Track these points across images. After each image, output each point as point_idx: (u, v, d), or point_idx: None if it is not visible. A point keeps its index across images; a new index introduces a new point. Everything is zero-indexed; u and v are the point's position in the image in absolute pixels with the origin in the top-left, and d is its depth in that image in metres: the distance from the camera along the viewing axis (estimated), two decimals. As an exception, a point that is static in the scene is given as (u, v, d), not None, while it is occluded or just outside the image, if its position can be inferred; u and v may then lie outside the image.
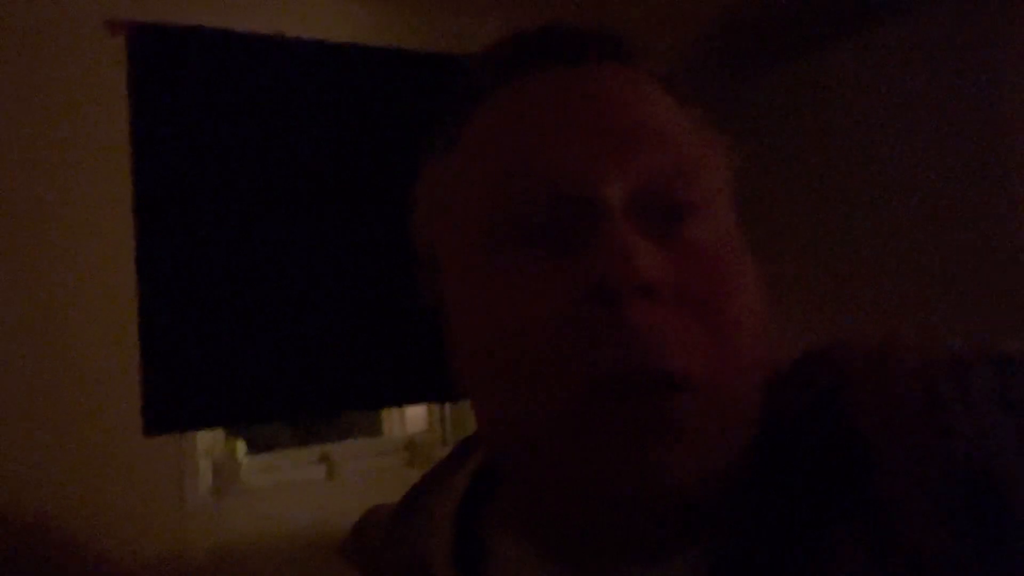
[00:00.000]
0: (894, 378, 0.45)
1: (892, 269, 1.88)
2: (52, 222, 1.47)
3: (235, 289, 1.67)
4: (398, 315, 1.73)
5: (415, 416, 2.10)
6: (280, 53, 1.75)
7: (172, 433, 1.56)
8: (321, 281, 1.72)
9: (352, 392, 1.73)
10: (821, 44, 2.00)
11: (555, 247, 0.42)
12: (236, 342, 1.65)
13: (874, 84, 1.89)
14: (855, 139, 1.95)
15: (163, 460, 1.55)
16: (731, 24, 2.07)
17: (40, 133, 1.47)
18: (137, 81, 1.59)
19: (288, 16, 1.74)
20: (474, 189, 0.46)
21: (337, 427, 2.00)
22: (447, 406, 2.08)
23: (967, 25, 1.72)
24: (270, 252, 1.69)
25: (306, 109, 1.76)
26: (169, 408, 1.55)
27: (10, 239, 1.43)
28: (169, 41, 1.64)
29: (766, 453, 0.45)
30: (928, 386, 0.43)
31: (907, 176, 1.84)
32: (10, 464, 1.34)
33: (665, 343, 0.40)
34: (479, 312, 0.45)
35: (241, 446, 1.76)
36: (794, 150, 2.10)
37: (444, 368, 0.49)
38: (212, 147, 1.69)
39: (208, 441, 1.72)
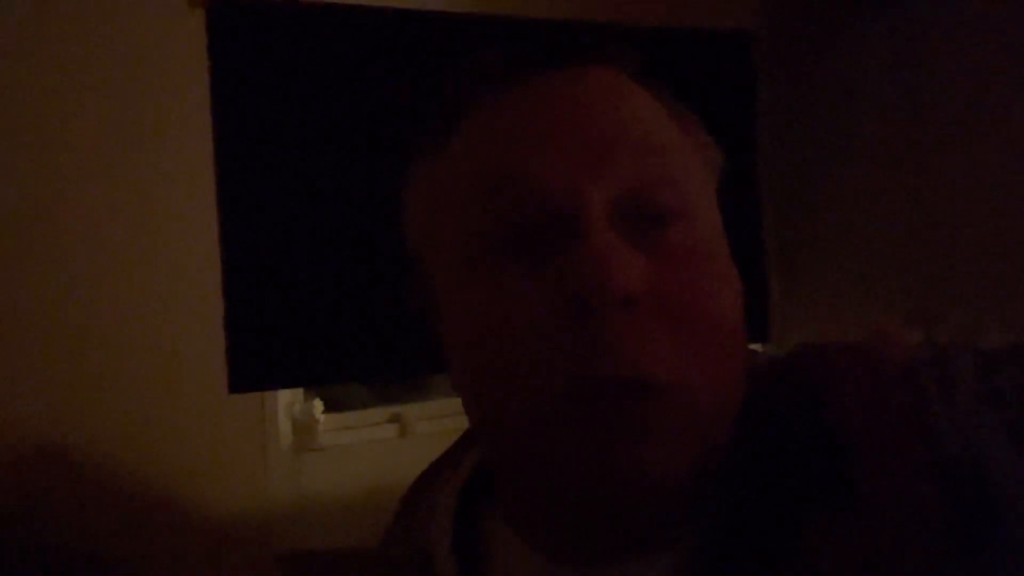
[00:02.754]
0: (877, 375, 0.45)
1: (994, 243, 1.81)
2: (138, 188, 1.55)
3: (317, 253, 1.73)
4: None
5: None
6: (358, 22, 1.78)
7: (255, 391, 1.65)
8: (402, 246, 1.76)
9: (426, 356, 1.77)
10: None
11: (537, 257, 0.44)
12: (317, 305, 1.72)
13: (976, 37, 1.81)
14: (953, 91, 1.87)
15: (247, 417, 1.63)
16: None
17: (124, 102, 1.54)
18: (217, 53, 1.64)
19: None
20: (459, 198, 0.47)
21: (411, 388, 2.06)
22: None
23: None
24: (352, 217, 1.74)
25: (385, 77, 1.80)
26: (252, 368, 1.63)
27: (98, 203, 1.51)
28: (249, 13, 1.69)
29: (750, 450, 0.45)
30: (911, 383, 0.43)
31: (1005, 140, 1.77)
32: (104, 420, 1.43)
33: (637, 350, 0.41)
34: (465, 318, 0.47)
35: (318, 405, 1.83)
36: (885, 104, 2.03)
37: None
38: (293, 114, 1.74)
39: (288, 399, 1.80)
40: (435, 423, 1.93)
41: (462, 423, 0.53)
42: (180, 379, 1.52)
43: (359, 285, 1.73)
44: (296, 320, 1.70)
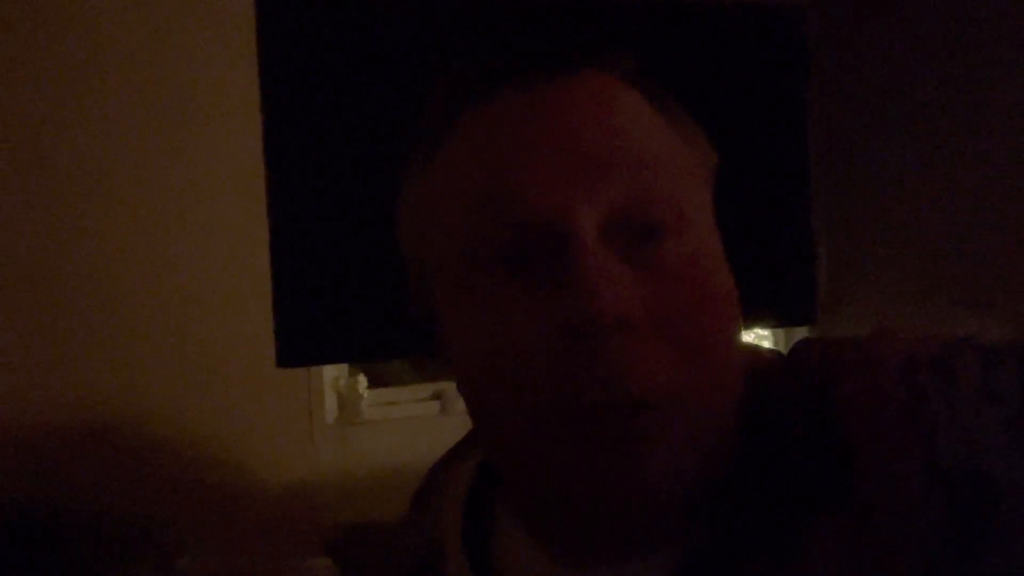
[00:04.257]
0: (878, 376, 0.44)
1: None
2: (187, 162, 1.57)
3: (365, 228, 1.74)
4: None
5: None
6: (409, 4, 1.77)
7: (302, 366, 1.68)
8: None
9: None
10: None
11: (531, 274, 0.43)
12: (364, 283, 1.74)
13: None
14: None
15: (293, 391, 1.66)
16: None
17: (172, 84, 1.56)
18: (266, 34, 1.65)
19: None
20: (450, 212, 0.47)
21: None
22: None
23: None
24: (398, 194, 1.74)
25: (433, 58, 1.79)
26: (300, 343, 1.66)
27: (149, 177, 1.54)
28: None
29: (750, 451, 0.45)
30: (911, 384, 0.43)
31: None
32: (155, 392, 1.47)
33: (632, 372, 0.41)
34: (463, 333, 0.47)
35: (362, 380, 1.86)
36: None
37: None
38: (343, 85, 1.74)
39: (333, 374, 1.83)
40: (476, 401, 1.93)
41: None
42: (228, 353, 1.55)
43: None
44: (344, 295, 1.72)
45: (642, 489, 0.42)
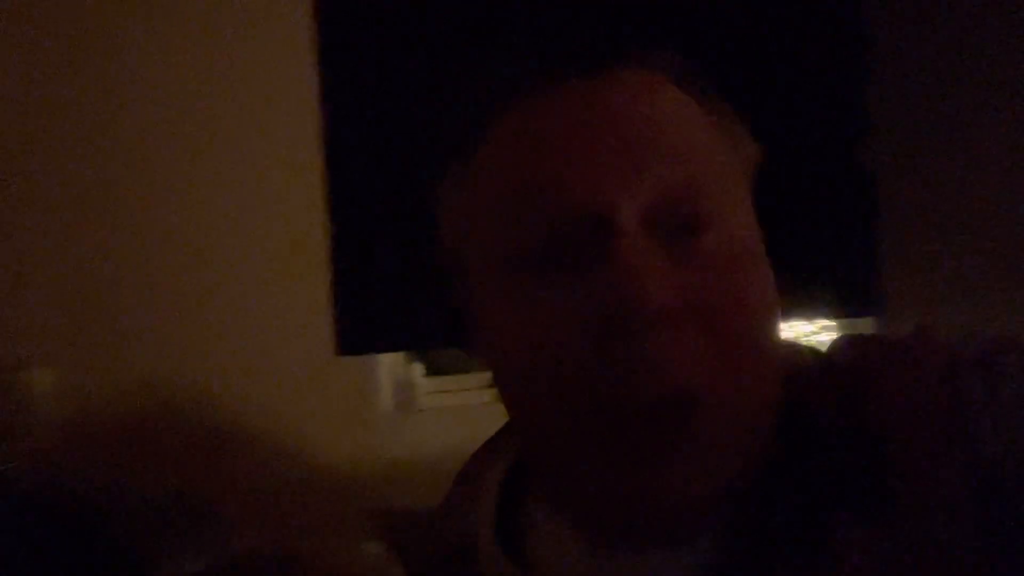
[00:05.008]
0: (919, 377, 0.44)
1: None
2: (246, 148, 1.58)
3: (424, 221, 1.76)
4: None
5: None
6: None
7: (362, 355, 1.70)
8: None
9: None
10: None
11: (571, 267, 0.44)
12: (423, 272, 1.75)
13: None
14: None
15: (350, 378, 1.68)
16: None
17: (232, 73, 1.57)
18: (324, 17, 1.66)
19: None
20: (492, 205, 0.48)
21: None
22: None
23: None
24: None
25: (485, 47, 1.79)
26: (360, 332, 1.68)
27: (208, 164, 1.56)
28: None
29: (789, 449, 0.45)
30: (952, 386, 0.42)
31: None
32: (214, 381, 1.51)
33: (673, 365, 0.41)
34: (501, 328, 0.47)
35: (419, 368, 1.88)
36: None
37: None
38: (403, 70, 1.75)
39: (390, 361, 1.85)
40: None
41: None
42: (287, 342, 1.58)
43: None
44: (403, 284, 1.74)
45: (679, 493, 0.42)
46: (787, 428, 0.46)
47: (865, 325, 1.88)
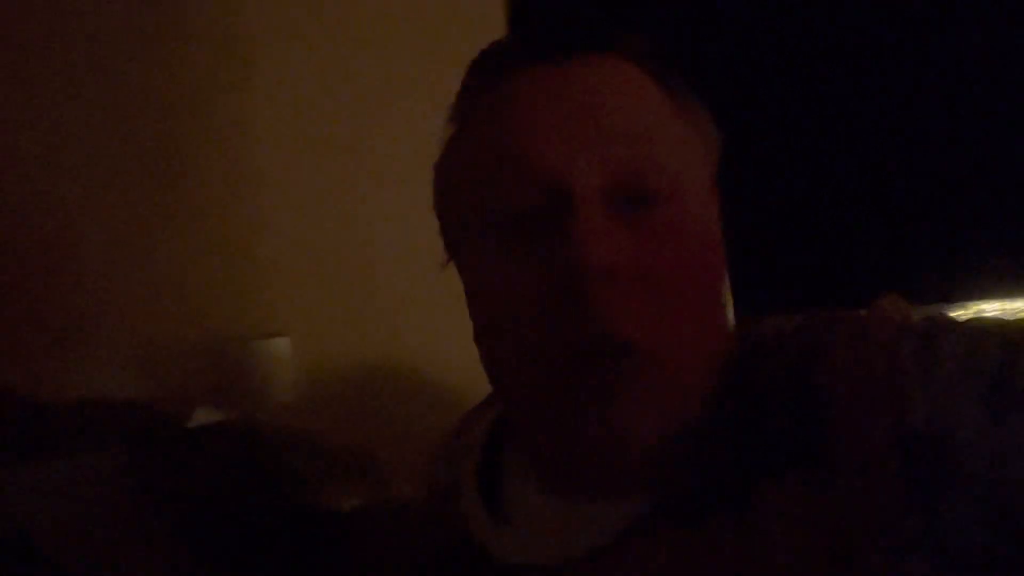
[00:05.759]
0: (862, 347, 0.46)
1: None
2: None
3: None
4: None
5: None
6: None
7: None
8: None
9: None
10: None
11: (535, 232, 0.49)
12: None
13: None
14: None
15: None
16: None
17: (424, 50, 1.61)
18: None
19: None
20: (469, 175, 0.54)
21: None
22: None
23: None
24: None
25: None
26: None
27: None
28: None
29: (729, 409, 0.49)
30: (891, 356, 0.45)
31: None
32: (418, 352, 1.67)
33: (616, 315, 0.46)
34: (474, 286, 0.54)
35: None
36: None
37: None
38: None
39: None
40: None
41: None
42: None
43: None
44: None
45: (621, 431, 0.47)
46: (736, 393, 0.50)
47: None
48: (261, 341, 1.59)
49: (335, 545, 0.78)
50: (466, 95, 0.57)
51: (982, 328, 0.46)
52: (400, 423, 1.59)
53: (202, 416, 1.16)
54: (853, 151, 1.44)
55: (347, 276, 1.67)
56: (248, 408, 1.49)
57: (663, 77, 0.53)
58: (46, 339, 1.48)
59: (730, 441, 0.48)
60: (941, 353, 0.44)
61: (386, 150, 1.68)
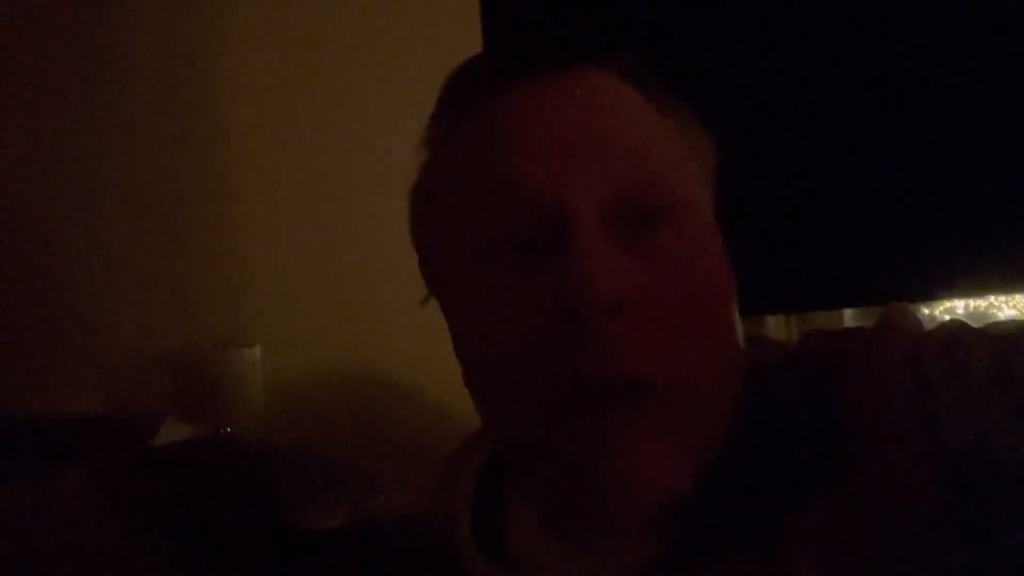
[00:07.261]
0: (881, 364, 0.43)
1: None
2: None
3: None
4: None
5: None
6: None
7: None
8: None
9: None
10: None
11: (530, 261, 0.45)
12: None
13: None
14: None
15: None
16: None
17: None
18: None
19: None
20: (455, 201, 0.49)
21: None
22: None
23: None
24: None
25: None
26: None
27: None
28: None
29: (751, 439, 0.45)
30: (916, 371, 0.42)
31: None
32: (389, 359, 1.65)
33: (625, 352, 0.41)
34: (465, 321, 0.49)
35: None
36: None
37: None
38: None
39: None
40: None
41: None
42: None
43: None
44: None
45: (642, 479, 0.42)
46: (750, 422, 0.46)
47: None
48: (231, 350, 1.57)
49: (314, 568, 0.75)
50: (443, 116, 0.53)
51: (1007, 333, 0.43)
52: (370, 432, 1.58)
53: (170, 430, 1.15)
54: (826, 152, 1.42)
55: (317, 286, 1.66)
56: (218, 417, 1.47)
57: (655, 93, 0.50)
58: (10, 350, 1.46)
59: (750, 473, 0.45)
60: (967, 364, 0.41)
61: (357, 162, 1.67)
